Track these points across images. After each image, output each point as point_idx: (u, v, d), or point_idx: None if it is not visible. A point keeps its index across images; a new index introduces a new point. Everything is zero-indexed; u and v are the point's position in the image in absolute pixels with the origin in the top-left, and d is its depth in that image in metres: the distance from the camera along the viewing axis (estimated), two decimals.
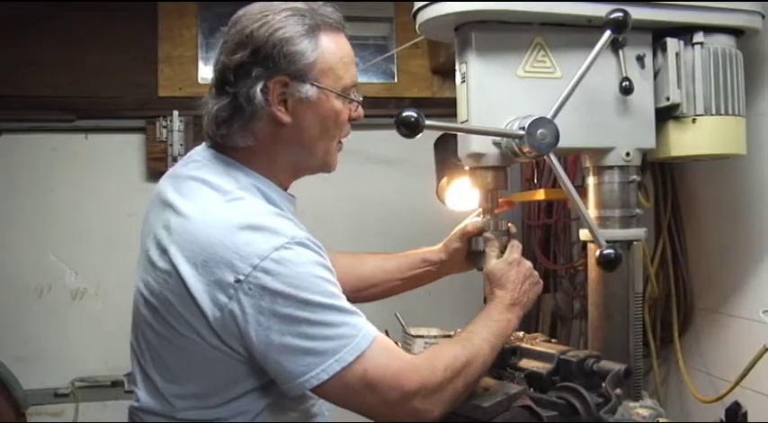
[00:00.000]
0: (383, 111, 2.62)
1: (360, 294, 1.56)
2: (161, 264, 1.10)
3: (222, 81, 1.16)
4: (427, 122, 1.15)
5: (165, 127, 2.54)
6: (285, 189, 1.25)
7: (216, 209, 1.09)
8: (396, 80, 2.76)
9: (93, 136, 2.63)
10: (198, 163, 1.20)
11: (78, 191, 2.58)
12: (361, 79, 2.72)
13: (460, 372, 1.14)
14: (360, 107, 1.25)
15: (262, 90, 1.13)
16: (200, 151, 1.23)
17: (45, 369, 2.55)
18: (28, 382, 2.49)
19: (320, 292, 1.05)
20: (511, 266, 1.35)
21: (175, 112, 2.51)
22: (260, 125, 1.16)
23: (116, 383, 2.53)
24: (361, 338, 1.07)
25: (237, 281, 1.03)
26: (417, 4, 1.44)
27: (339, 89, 1.18)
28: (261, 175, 1.18)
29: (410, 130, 1.14)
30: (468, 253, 1.50)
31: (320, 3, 1.21)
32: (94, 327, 2.53)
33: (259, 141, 1.17)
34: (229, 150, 1.20)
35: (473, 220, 1.50)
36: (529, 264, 1.38)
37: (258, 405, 1.14)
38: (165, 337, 1.12)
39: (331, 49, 1.17)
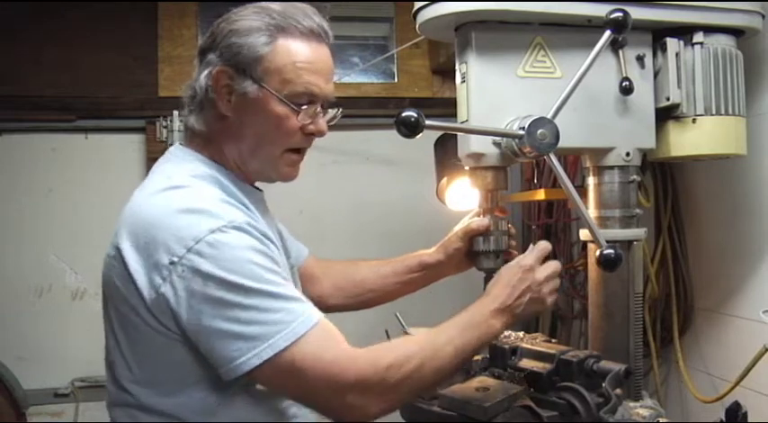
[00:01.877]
0: (383, 111, 2.63)
1: (357, 300, 1.56)
2: (109, 249, 1.13)
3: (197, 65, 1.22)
4: (427, 122, 1.15)
5: (165, 127, 2.54)
6: (251, 183, 1.25)
7: (161, 194, 1.10)
8: (396, 80, 2.76)
9: (93, 136, 2.63)
10: (165, 157, 1.24)
11: (78, 191, 2.59)
12: (361, 79, 2.77)
13: (408, 373, 1.08)
14: (319, 121, 1.19)
15: (206, 76, 1.16)
16: (172, 148, 1.26)
17: (45, 369, 2.55)
18: (28, 382, 2.50)
19: (254, 276, 1.03)
20: (520, 270, 1.25)
21: (175, 112, 2.51)
22: (208, 113, 1.19)
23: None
24: (298, 325, 1.04)
25: (172, 262, 1.03)
26: (417, 4, 1.44)
27: (284, 93, 1.15)
28: (222, 166, 1.19)
29: (410, 130, 1.14)
30: (468, 253, 1.50)
31: (312, 11, 1.20)
32: (94, 327, 2.50)
33: (210, 130, 1.20)
34: (194, 136, 1.23)
35: (478, 220, 1.49)
36: (543, 276, 1.26)
37: (218, 396, 1.11)
38: (114, 321, 1.14)
39: (285, 51, 1.15)
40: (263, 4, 1.19)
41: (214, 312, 1.03)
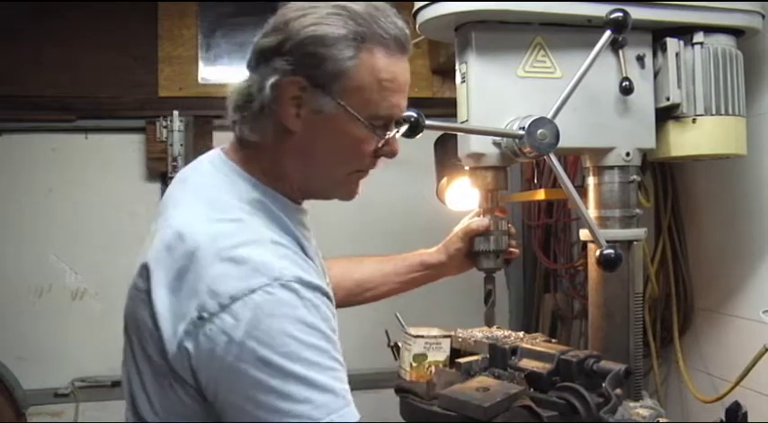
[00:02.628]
0: None
1: (357, 298, 1.54)
2: (138, 280, 0.98)
3: (250, 61, 1.04)
4: (427, 122, 1.15)
5: (165, 127, 2.54)
6: (298, 202, 1.10)
7: (204, 226, 0.95)
8: None
9: (93, 136, 2.63)
10: (206, 169, 1.07)
11: (78, 191, 2.58)
12: None
13: None
14: (393, 143, 1.05)
15: (272, 85, 0.98)
16: (213, 155, 1.09)
17: (45, 369, 2.55)
18: (28, 382, 2.50)
19: (288, 353, 0.87)
20: None
21: (175, 112, 2.51)
22: (266, 123, 1.01)
23: (116, 383, 2.52)
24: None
25: (201, 317, 0.89)
26: (417, 4, 1.44)
27: (365, 115, 1.00)
28: (269, 186, 1.04)
29: (410, 130, 1.14)
30: (469, 253, 1.50)
31: (393, 11, 1.03)
32: (94, 327, 2.53)
33: (266, 140, 1.03)
34: (241, 147, 1.07)
35: (478, 220, 1.49)
36: None
37: None
38: (137, 355, 0.99)
39: (371, 67, 0.99)
40: (347, 3, 1.00)
41: (237, 387, 0.88)
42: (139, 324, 0.96)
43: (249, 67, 1.03)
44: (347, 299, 1.51)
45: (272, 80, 0.98)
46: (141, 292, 0.96)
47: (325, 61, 0.97)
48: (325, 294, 0.96)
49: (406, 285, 1.56)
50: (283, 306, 0.89)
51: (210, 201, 1.00)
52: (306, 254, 1.04)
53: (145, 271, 0.96)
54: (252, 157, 1.05)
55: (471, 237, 1.48)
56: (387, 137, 1.04)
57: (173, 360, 0.91)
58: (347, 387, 0.94)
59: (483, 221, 1.46)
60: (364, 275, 1.55)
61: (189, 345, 0.89)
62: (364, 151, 1.04)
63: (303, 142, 1.02)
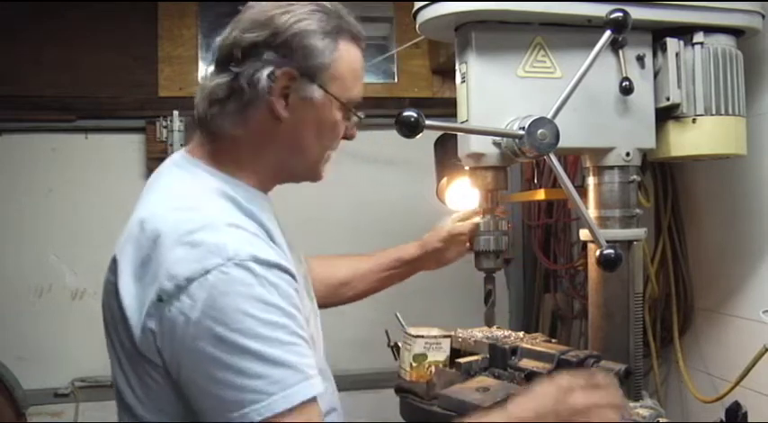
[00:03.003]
0: (383, 111, 2.63)
1: (337, 298, 1.54)
2: (108, 273, 1.05)
3: (227, 59, 1.08)
4: (427, 122, 1.15)
5: (165, 127, 2.54)
6: (265, 192, 1.16)
7: (164, 216, 1.00)
8: (396, 80, 2.76)
9: (93, 136, 2.63)
10: (168, 169, 1.13)
11: (78, 191, 2.59)
12: None
13: None
14: (354, 128, 1.18)
15: (269, 75, 1.04)
16: (175, 156, 1.15)
17: (45, 369, 2.55)
18: (28, 382, 2.50)
19: (242, 330, 0.90)
20: (571, 410, 1.04)
21: (175, 112, 2.51)
22: (255, 113, 1.07)
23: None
24: (280, 399, 0.90)
25: (161, 300, 0.93)
26: (417, 4, 1.44)
27: (344, 100, 1.12)
28: (233, 177, 1.09)
29: (410, 130, 1.14)
30: (446, 253, 1.48)
31: (346, 11, 1.14)
32: (94, 327, 2.50)
33: (249, 131, 1.08)
34: (210, 141, 1.11)
35: (461, 224, 1.49)
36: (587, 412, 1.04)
37: None
38: (116, 347, 1.05)
39: (347, 58, 1.11)
40: (316, 3, 1.10)
41: (196, 365, 0.92)
42: (113, 314, 1.02)
43: (231, 62, 1.07)
44: (327, 299, 1.49)
45: (267, 71, 1.04)
46: (111, 284, 1.02)
47: (313, 53, 1.06)
48: (286, 271, 0.98)
49: (384, 282, 1.57)
50: (238, 284, 0.91)
51: (171, 192, 1.06)
52: (272, 240, 1.05)
53: (113, 264, 1.02)
54: (221, 151, 1.10)
55: (471, 237, 1.48)
56: (357, 120, 1.16)
57: (140, 344, 0.96)
58: (310, 360, 0.95)
59: (465, 226, 1.46)
60: (342, 275, 1.55)
61: (152, 326, 0.94)
62: (338, 133, 1.15)
63: (291, 128, 1.09)
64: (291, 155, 1.12)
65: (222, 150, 1.10)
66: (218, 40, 1.11)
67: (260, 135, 1.09)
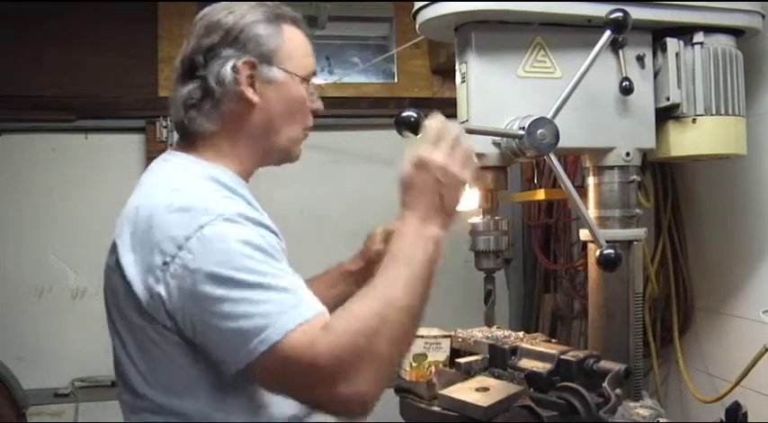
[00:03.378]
0: (383, 111, 2.63)
1: None
2: (108, 256, 1.14)
3: (191, 67, 1.19)
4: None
5: (165, 127, 2.54)
6: (245, 179, 1.23)
7: (156, 197, 1.10)
8: (396, 80, 2.76)
9: (93, 136, 2.63)
10: (157, 165, 1.22)
11: (78, 191, 2.58)
12: (361, 79, 2.77)
13: (378, 331, 1.00)
14: (318, 99, 1.28)
15: (232, 68, 1.16)
16: (163, 155, 1.25)
17: (45, 369, 2.55)
18: (28, 382, 2.49)
19: (241, 268, 1.00)
20: (417, 170, 1.12)
21: None
22: (229, 107, 1.18)
23: (116, 383, 2.53)
24: (289, 318, 0.98)
25: (165, 263, 1.02)
26: (417, 4, 1.44)
27: (303, 75, 1.22)
28: (218, 164, 1.18)
29: (410, 130, 1.14)
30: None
31: (282, 4, 1.26)
32: (94, 327, 2.50)
33: (225, 125, 1.19)
34: (193, 140, 1.21)
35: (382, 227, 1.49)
36: (440, 163, 1.11)
37: (224, 396, 1.09)
38: (119, 327, 1.12)
39: (292, 38, 1.22)
40: (253, 3, 1.23)
41: (205, 309, 1.00)
42: (115, 293, 1.10)
43: (196, 69, 1.19)
44: None
45: (229, 65, 1.16)
46: (112, 266, 1.11)
47: (263, 40, 1.18)
48: (272, 231, 1.09)
49: (339, 299, 1.50)
50: (229, 232, 1.02)
51: (162, 180, 1.16)
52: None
53: (113, 247, 1.11)
54: (204, 146, 1.20)
55: (471, 237, 1.48)
56: (313, 90, 1.25)
57: (149, 309, 1.04)
58: (302, 285, 1.06)
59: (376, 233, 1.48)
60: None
61: (161, 290, 1.02)
62: (307, 108, 1.24)
63: (264, 111, 1.20)
64: (269, 136, 1.22)
65: (206, 145, 1.20)
66: (177, 59, 1.24)
67: (238, 124, 1.20)
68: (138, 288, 1.04)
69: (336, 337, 0.99)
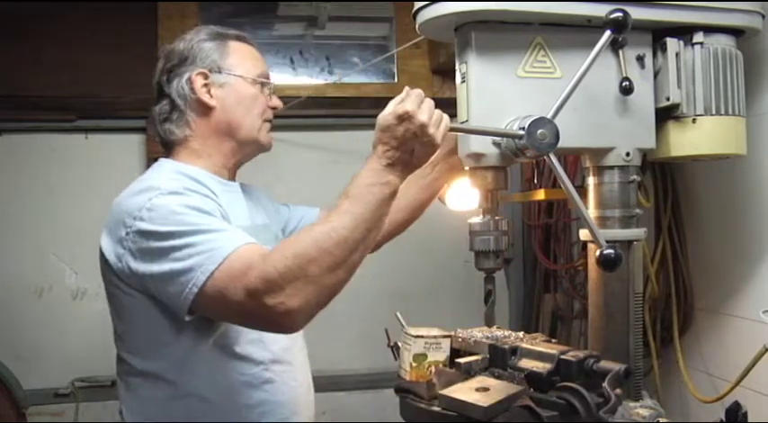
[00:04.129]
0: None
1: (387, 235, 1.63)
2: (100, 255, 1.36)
3: (159, 89, 1.45)
4: None
5: None
6: (229, 178, 1.47)
7: (127, 190, 1.33)
8: (396, 80, 2.76)
9: (93, 136, 2.63)
10: (152, 166, 1.46)
11: (78, 191, 2.59)
12: (361, 79, 2.77)
13: (313, 255, 1.11)
14: (275, 97, 1.50)
15: (186, 81, 1.41)
16: (160, 160, 1.47)
17: (45, 369, 2.56)
18: (28, 382, 2.50)
19: (182, 222, 1.21)
20: (399, 120, 1.20)
21: None
22: (193, 115, 1.42)
23: (116, 383, 2.53)
24: (225, 247, 1.16)
25: (126, 233, 1.25)
26: (417, 4, 1.44)
27: (253, 76, 1.45)
28: (193, 165, 1.41)
29: None
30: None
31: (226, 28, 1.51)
32: (94, 327, 2.54)
33: (194, 130, 1.43)
34: (172, 149, 1.45)
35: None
36: (426, 118, 1.20)
37: (192, 354, 1.30)
38: (108, 301, 1.37)
39: (237, 49, 1.47)
40: (198, 28, 1.49)
41: (158, 260, 1.21)
42: (102, 273, 1.35)
43: (161, 90, 1.45)
44: (405, 224, 1.72)
45: (184, 79, 1.41)
46: (99, 255, 1.35)
47: (211, 53, 1.44)
48: (215, 201, 1.31)
49: (432, 188, 1.71)
50: (173, 199, 1.25)
51: (138, 179, 1.37)
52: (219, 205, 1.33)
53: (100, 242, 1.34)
54: (181, 151, 1.44)
55: (470, 237, 1.48)
56: (268, 88, 1.49)
57: (121, 276, 1.28)
58: (239, 230, 1.26)
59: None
60: (405, 202, 1.68)
61: (127, 256, 1.26)
62: (262, 103, 1.47)
63: (223, 111, 1.43)
64: (233, 132, 1.44)
65: (181, 150, 1.44)
66: (154, 84, 1.47)
67: (203, 127, 1.43)
68: (112, 259, 1.29)
69: (271, 260, 1.12)
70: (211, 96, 1.42)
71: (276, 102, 1.51)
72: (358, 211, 1.16)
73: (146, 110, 2.55)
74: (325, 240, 1.13)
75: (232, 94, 1.43)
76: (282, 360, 1.41)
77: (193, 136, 1.43)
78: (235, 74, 1.44)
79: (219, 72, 1.43)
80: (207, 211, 1.25)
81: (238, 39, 1.49)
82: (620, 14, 1.29)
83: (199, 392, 1.32)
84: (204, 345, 1.31)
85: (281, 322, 1.15)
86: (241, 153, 1.48)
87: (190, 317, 1.22)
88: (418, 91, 1.26)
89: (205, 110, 1.42)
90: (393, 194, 1.21)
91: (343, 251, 1.14)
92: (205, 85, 1.42)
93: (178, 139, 1.43)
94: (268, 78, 1.50)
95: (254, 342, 1.36)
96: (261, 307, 1.12)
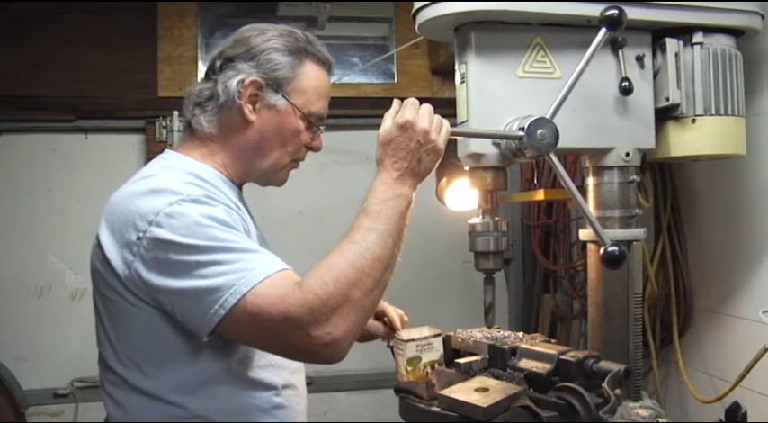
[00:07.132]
0: (383, 111, 2.63)
1: None
2: (93, 240, 1.22)
3: (211, 68, 1.29)
4: None
5: (164, 127, 2.55)
6: (236, 184, 1.32)
7: (132, 184, 1.21)
8: (396, 80, 2.77)
9: (93, 136, 2.63)
10: (151, 162, 1.31)
11: (78, 191, 2.59)
12: (361, 79, 2.77)
13: (353, 279, 1.07)
14: (319, 138, 1.34)
15: (238, 82, 1.24)
16: (162, 153, 1.33)
17: (45, 369, 2.56)
18: (28, 382, 2.50)
19: (208, 237, 1.09)
20: (402, 131, 1.19)
21: (175, 113, 2.52)
22: (227, 116, 1.26)
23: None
24: (259, 271, 1.07)
25: (138, 238, 1.11)
26: (417, 4, 1.44)
27: (305, 112, 1.28)
28: (203, 163, 1.27)
29: None
30: None
31: (320, 43, 1.32)
32: (94, 327, 2.53)
33: (221, 132, 1.27)
34: (192, 139, 1.30)
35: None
36: (425, 126, 1.19)
37: (198, 373, 1.18)
38: (99, 306, 1.25)
39: (310, 76, 1.28)
40: (288, 27, 1.30)
41: (179, 275, 1.08)
42: (98, 274, 1.20)
43: (212, 71, 1.29)
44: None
45: (237, 79, 1.24)
46: (94, 247, 1.21)
47: (278, 67, 1.25)
48: (238, 212, 1.19)
49: None
50: (195, 208, 1.11)
51: (140, 173, 1.24)
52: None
53: (96, 239, 1.21)
54: (199, 146, 1.29)
55: (470, 237, 1.48)
56: (319, 132, 1.33)
57: (128, 283, 1.14)
58: (267, 251, 1.15)
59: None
60: None
61: (137, 263, 1.12)
62: (301, 142, 1.31)
63: (258, 132, 1.27)
64: (256, 156, 1.29)
65: (199, 146, 1.29)
66: (211, 57, 1.32)
67: (231, 135, 1.28)
68: (117, 264, 1.14)
69: (310, 288, 1.05)
70: (254, 111, 1.26)
71: (318, 143, 1.35)
72: (381, 227, 1.14)
73: (146, 110, 2.62)
74: (361, 261, 1.09)
75: (276, 119, 1.27)
76: (291, 384, 1.32)
77: (217, 138, 1.28)
78: (290, 100, 1.26)
79: (276, 91, 1.25)
80: (232, 226, 1.13)
81: (319, 62, 1.30)
82: (614, 11, 1.29)
83: (205, 415, 1.20)
84: (218, 368, 1.19)
85: (327, 352, 1.07)
86: (251, 178, 1.34)
87: (208, 338, 1.11)
88: (413, 100, 1.23)
89: (241, 121, 1.26)
90: (408, 206, 1.20)
91: (378, 270, 1.11)
92: (255, 95, 1.25)
93: (200, 132, 1.28)
94: (322, 119, 1.33)
95: (267, 367, 1.27)
96: (305, 337, 1.04)
